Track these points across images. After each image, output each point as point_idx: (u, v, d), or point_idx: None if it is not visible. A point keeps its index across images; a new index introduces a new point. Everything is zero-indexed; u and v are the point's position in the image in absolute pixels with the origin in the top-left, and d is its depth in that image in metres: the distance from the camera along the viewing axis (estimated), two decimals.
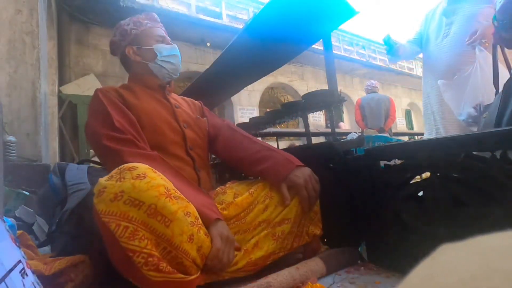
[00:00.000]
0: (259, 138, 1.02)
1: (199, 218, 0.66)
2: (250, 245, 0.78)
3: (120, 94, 0.91)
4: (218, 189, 0.91)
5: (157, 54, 0.97)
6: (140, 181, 0.58)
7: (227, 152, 1.01)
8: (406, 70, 8.41)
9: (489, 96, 1.29)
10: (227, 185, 0.92)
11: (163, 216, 0.58)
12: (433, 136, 1.56)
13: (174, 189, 0.63)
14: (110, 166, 0.75)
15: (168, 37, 1.02)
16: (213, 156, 1.33)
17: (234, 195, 0.85)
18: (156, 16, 1.04)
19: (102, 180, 0.59)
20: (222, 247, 0.68)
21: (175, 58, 1.00)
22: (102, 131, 0.79)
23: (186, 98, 1.12)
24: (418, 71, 8.49)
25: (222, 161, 1.09)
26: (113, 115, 0.82)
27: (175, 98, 1.05)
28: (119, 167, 0.61)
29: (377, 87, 3.84)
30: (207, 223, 0.69)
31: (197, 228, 0.63)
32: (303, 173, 0.85)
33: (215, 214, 0.72)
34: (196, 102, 1.13)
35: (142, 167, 0.61)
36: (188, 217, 0.62)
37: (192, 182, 0.79)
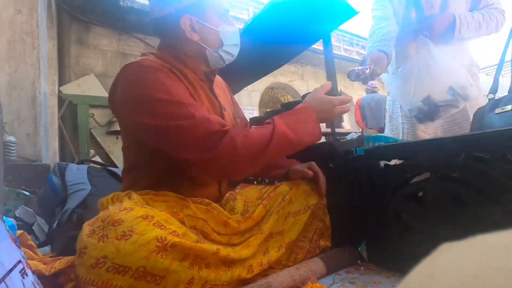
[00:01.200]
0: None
1: (201, 253, 0.58)
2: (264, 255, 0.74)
3: (178, 79, 0.71)
4: (227, 194, 0.86)
5: (223, 42, 0.76)
6: (125, 242, 0.49)
7: None
8: None
9: (441, 88, 1.20)
10: (237, 190, 0.88)
11: (154, 275, 0.51)
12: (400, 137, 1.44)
13: (172, 231, 0.54)
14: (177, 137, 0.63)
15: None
16: None
17: (244, 203, 0.82)
18: None
19: (84, 234, 0.51)
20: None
21: (236, 48, 0.81)
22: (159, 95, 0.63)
23: (221, 82, 0.94)
24: None
25: None
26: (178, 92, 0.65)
27: (219, 91, 0.87)
28: (103, 218, 0.52)
29: (377, 87, 3.84)
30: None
31: (197, 267, 0.57)
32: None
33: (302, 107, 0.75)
34: (227, 88, 0.97)
35: (128, 219, 0.52)
36: (186, 261, 0.55)
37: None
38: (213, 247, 0.60)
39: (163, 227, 0.55)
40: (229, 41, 0.77)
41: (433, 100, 1.18)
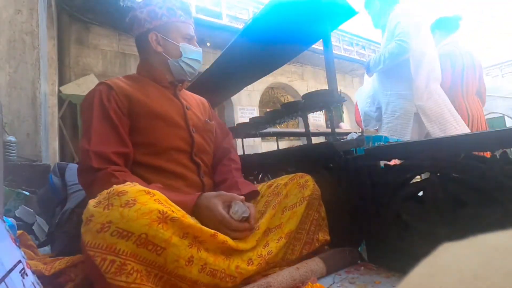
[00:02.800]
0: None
1: (200, 234, 0.62)
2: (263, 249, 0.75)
3: (124, 92, 0.83)
4: None
5: (182, 53, 0.91)
6: (129, 209, 0.53)
7: (213, 168, 1.00)
8: None
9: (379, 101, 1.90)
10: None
11: (155, 245, 0.54)
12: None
13: (171, 210, 0.59)
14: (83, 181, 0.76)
15: (195, 38, 0.96)
16: None
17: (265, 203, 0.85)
18: (190, 9, 0.98)
19: (90, 205, 0.55)
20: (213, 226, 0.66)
21: (197, 63, 0.95)
22: (85, 146, 0.75)
23: (195, 96, 1.08)
24: None
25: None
26: (97, 132, 0.77)
27: (186, 97, 1.00)
28: (108, 190, 0.57)
29: None
30: (189, 209, 0.68)
31: (196, 248, 0.60)
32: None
33: (191, 197, 0.71)
34: (204, 101, 1.09)
35: (132, 191, 0.57)
36: (185, 239, 0.59)
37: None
38: (210, 230, 0.63)
39: (164, 204, 0.59)
40: (189, 54, 0.92)
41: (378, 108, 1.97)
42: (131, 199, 0.55)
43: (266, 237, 0.77)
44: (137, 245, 0.53)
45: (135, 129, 0.83)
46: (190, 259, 0.58)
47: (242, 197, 0.76)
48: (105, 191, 0.57)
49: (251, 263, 0.69)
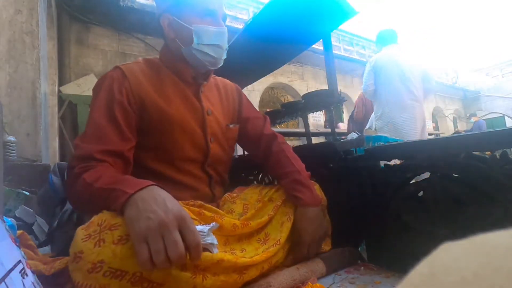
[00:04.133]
0: (278, 137, 0.96)
1: (199, 263, 0.55)
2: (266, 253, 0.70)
3: (139, 87, 0.73)
4: (226, 196, 0.84)
5: (194, 40, 0.74)
6: (122, 247, 0.48)
7: (265, 161, 0.91)
8: None
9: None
10: (235, 193, 0.86)
11: (150, 282, 0.50)
12: None
13: None
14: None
15: (222, 11, 0.77)
16: None
17: (244, 206, 0.80)
18: None
19: (79, 238, 0.49)
20: (137, 241, 0.47)
21: (216, 49, 0.76)
22: (77, 140, 0.68)
23: (221, 85, 0.93)
24: None
25: (260, 165, 0.98)
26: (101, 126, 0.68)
27: (210, 94, 0.86)
28: (99, 221, 0.51)
29: None
30: (118, 206, 0.52)
31: (201, 276, 0.55)
32: (314, 231, 0.77)
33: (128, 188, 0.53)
34: (233, 92, 0.94)
35: (125, 224, 0.50)
36: (186, 271, 0.53)
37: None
38: (214, 257, 0.56)
39: None
40: (202, 39, 0.74)
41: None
42: (125, 235, 0.49)
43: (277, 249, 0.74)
44: (131, 283, 0.49)
45: (146, 131, 0.75)
46: None
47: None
48: (95, 221, 0.51)
49: (263, 270, 0.68)
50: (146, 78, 0.76)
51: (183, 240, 0.49)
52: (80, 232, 0.50)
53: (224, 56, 0.81)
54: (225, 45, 0.79)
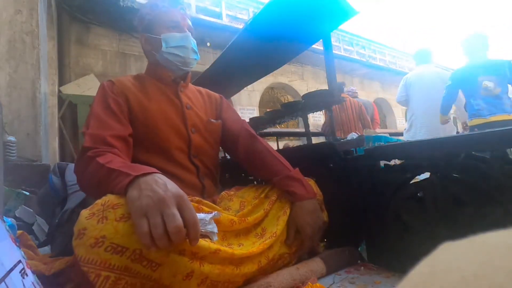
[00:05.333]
0: (258, 137, 0.99)
1: (197, 251, 0.57)
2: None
3: (124, 89, 0.85)
4: (223, 193, 0.87)
5: (163, 44, 0.88)
6: (124, 224, 0.51)
7: (247, 161, 0.95)
8: (406, 70, 8.41)
9: None
10: (233, 191, 0.88)
11: (149, 261, 0.52)
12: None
13: None
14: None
15: (185, 22, 0.91)
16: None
17: (241, 204, 0.82)
18: None
19: (83, 217, 0.52)
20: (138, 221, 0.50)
21: (182, 49, 0.89)
22: (84, 130, 0.76)
23: (204, 91, 1.03)
24: None
25: (242, 166, 1.00)
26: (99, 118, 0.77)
27: (190, 94, 0.97)
28: (103, 201, 0.53)
29: (357, 92, 3.89)
30: (120, 189, 0.55)
31: (198, 262, 0.57)
32: (315, 222, 0.80)
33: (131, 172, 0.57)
34: (215, 97, 1.04)
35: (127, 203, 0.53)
36: (184, 256, 0.55)
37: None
38: (211, 246, 0.59)
39: None
40: (169, 43, 0.88)
41: None
42: (127, 213, 0.52)
43: (273, 241, 0.76)
44: (131, 260, 0.51)
45: (133, 124, 0.82)
46: (190, 274, 0.56)
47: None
48: (99, 202, 0.54)
49: (260, 264, 0.69)
50: (131, 85, 0.88)
51: (181, 217, 0.51)
52: (84, 212, 0.53)
53: (193, 56, 0.91)
54: (190, 46, 0.90)
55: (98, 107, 0.80)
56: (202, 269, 0.57)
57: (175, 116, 0.88)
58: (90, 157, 0.67)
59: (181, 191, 0.55)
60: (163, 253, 0.53)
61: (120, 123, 0.79)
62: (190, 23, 0.94)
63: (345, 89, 3.84)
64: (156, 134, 0.83)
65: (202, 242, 0.57)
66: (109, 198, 0.54)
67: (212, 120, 0.96)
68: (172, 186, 0.55)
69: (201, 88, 1.05)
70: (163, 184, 0.54)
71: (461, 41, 2.30)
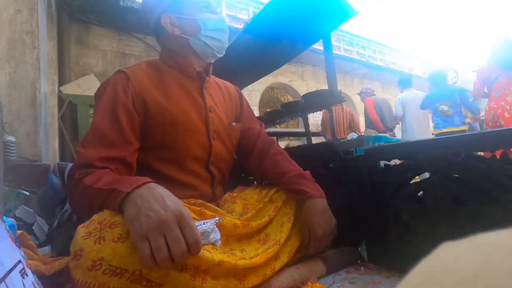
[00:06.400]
0: (274, 141, 0.96)
1: (200, 263, 0.55)
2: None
3: (142, 88, 0.74)
4: (226, 195, 0.84)
5: (202, 27, 0.78)
6: (122, 244, 0.49)
7: (259, 166, 0.91)
8: (406, 70, 8.41)
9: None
10: (235, 193, 0.85)
11: (149, 281, 0.50)
12: None
13: None
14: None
15: (214, 4, 0.82)
16: None
17: (244, 206, 0.80)
18: None
19: (79, 236, 0.49)
20: (135, 236, 0.48)
21: (222, 33, 0.81)
22: (79, 146, 0.68)
23: (222, 85, 0.95)
24: (418, 71, 8.49)
25: (250, 170, 0.98)
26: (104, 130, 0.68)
27: (212, 91, 0.88)
28: (100, 219, 0.51)
29: (374, 90, 3.94)
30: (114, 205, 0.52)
31: (200, 279, 0.55)
32: (326, 223, 0.78)
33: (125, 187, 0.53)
34: (234, 92, 0.96)
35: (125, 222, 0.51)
36: (185, 272, 0.53)
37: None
38: (214, 258, 0.56)
39: None
40: (209, 25, 0.79)
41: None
42: (124, 233, 0.50)
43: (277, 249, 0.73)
44: (130, 281, 0.49)
45: (150, 131, 0.75)
46: None
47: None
48: (96, 219, 0.51)
49: (265, 277, 0.67)
50: (148, 79, 0.77)
51: (183, 236, 0.49)
52: (81, 230, 0.50)
53: (228, 42, 0.84)
54: (227, 30, 0.83)
55: (103, 116, 0.69)
56: (204, 286, 0.55)
57: (198, 120, 0.80)
58: (77, 179, 0.61)
59: (181, 208, 0.52)
60: (164, 272, 0.51)
61: (123, 140, 0.69)
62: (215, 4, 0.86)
63: (361, 88, 3.90)
64: (174, 140, 0.76)
65: (206, 254, 0.55)
66: (106, 216, 0.52)
67: (233, 123, 0.90)
68: (171, 202, 0.52)
69: (218, 80, 0.97)
70: (161, 199, 0.51)
71: (428, 76, 3.26)
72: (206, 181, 0.83)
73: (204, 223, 0.57)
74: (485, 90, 2.52)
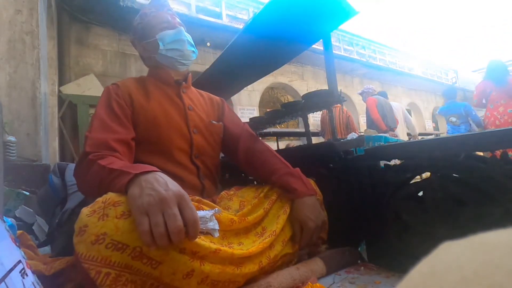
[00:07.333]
0: (259, 138, 0.99)
1: (198, 249, 0.57)
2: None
3: (128, 91, 0.87)
4: (223, 193, 0.87)
5: (159, 44, 0.90)
6: (124, 221, 0.51)
7: (247, 162, 0.96)
8: (406, 70, 8.41)
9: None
10: (232, 191, 0.88)
11: (149, 258, 0.52)
12: None
13: None
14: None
15: (175, 20, 0.94)
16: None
17: (240, 203, 0.82)
18: None
19: (84, 214, 0.52)
20: (140, 219, 0.50)
21: (179, 42, 0.92)
22: (86, 133, 0.76)
23: (205, 94, 1.06)
24: (418, 71, 8.49)
25: (241, 168, 1.02)
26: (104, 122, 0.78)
27: (192, 96, 0.98)
28: (104, 199, 0.54)
29: (375, 90, 3.91)
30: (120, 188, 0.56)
31: (199, 261, 0.57)
32: (317, 217, 0.81)
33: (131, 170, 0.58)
34: (216, 100, 1.06)
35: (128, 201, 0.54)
36: (184, 254, 0.55)
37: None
38: (211, 246, 0.59)
39: None
40: (166, 40, 0.91)
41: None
42: (127, 210, 0.53)
43: (272, 239, 0.75)
44: (132, 257, 0.51)
45: (137, 127, 0.84)
46: (190, 273, 0.55)
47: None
48: (100, 200, 0.54)
49: (261, 265, 0.69)
50: (135, 87, 0.90)
51: (182, 216, 0.52)
52: (85, 209, 0.53)
53: (190, 48, 0.94)
54: (186, 38, 0.92)
55: (102, 110, 0.81)
56: (202, 268, 0.57)
57: (177, 116, 0.89)
58: (91, 160, 0.67)
59: (182, 190, 0.55)
60: (163, 251, 0.53)
61: (123, 126, 0.80)
62: (179, 20, 0.96)
63: (363, 88, 3.89)
64: (158, 134, 0.84)
65: (203, 241, 0.57)
66: (110, 196, 0.55)
67: (213, 121, 0.97)
68: (173, 185, 0.56)
69: (202, 91, 1.07)
70: (164, 183, 0.55)
71: (442, 92, 3.99)
72: (193, 172, 0.88)
73: (203, 212, 0.58)
74: (484, 101, 3.08)
